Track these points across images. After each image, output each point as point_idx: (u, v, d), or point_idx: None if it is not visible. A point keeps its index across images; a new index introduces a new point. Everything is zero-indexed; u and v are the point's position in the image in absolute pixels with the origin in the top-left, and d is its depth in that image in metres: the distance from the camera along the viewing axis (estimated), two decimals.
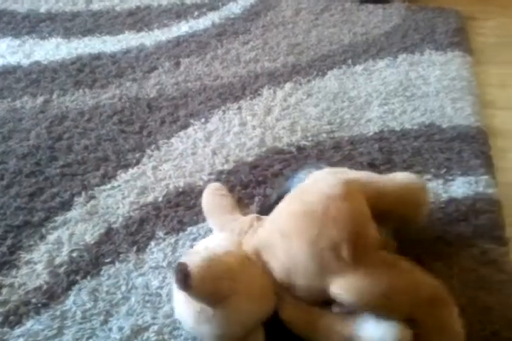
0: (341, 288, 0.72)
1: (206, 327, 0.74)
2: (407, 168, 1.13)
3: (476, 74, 1.46)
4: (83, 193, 1.07)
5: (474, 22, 1.76)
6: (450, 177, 1.11)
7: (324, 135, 1.23)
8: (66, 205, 1.04)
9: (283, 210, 0.80)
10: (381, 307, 0.72)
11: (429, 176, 1.11)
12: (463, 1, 1.86)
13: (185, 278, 0.69)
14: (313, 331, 0.77)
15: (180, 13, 1.76)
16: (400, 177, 0.91)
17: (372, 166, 1.14)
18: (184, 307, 0.76)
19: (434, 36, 1.62)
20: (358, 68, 1.48)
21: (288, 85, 1.41)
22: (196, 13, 1.76)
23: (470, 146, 1.19)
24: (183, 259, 0.74)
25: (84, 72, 1.47)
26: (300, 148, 1.19)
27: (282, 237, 0.75)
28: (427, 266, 0.90)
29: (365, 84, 1.41)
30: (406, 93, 1.37)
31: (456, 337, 0.74)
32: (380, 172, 1.12)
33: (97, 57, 1.53)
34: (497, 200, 1.06)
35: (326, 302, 0.77)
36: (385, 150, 1.18)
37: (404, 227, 0.90)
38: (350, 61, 1.50)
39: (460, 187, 1.08)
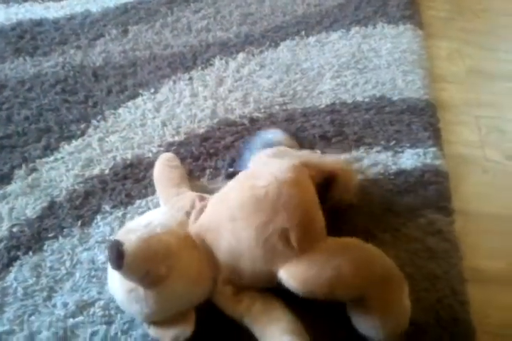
0: (288, 275, 0.72)
1: (137, 307, 0.71)
2: (358, 140, 1.13)
3: (426, 48, 1.47)
4: (24, 166, 1.02)
5: None
6: (399, 149, 1.12)
7: (277, 107, 1.22)
8: (6, 178, 0.99)
9: (232, 193, 0.78)
10: (327, 296, 0.72)
11: (379, 148, 1.12)
12: None
13: (118, 257, 0.66)
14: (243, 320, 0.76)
15: None
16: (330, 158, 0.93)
17: (324, 138, 1.13)
18: (117, 285, 0.73)
19: (387, 9, 1.61)
20: (311, 40, 1.46)
21: (240, 56, 1.37)
22: None
23: (419, 119, 1.20)
24: (119, 236, 0.71)
25: (24, 38, 1.38)
26: (253, 120, 1.17)
27: (231, 220, 0.73)
28: (376, 237, 0.93)
29: (318, 56, 1.39)
30: (358, 65, 1.37)
31: (404, 314, 0.76)
32: (332, 144, 1.12)
33: (39, 23, 1.45)
34: (444, 172, 1.08)
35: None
36: (336, 122, 1.18)
37: (336, 206, 0.91)
38: (303, 32, 1.48)
39: (409, 158, 1.10)
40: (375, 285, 0.74)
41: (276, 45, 1.43)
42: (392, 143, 1.13)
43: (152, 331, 0.73)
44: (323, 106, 1.23)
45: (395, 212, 0.99)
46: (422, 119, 1.20)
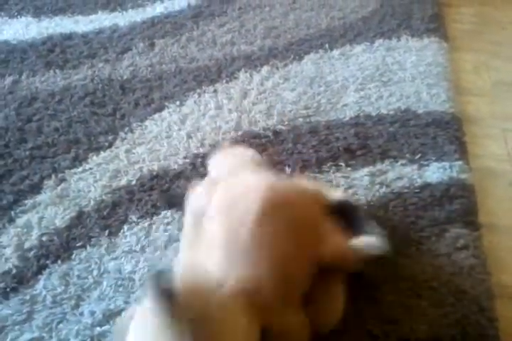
0: None
1: None
2: (383, 153, 1.13)
3: (451, 61, 1.47)
4: (53, 176, 1.04)
5: (450, 8, 1.77)
6: (425, 163, 1.12)
7: (301, 119, 1.22)
8: (36, 188, 1.02)
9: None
10: None
11: (404, 161, 1.11)
12: None
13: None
14: None
15: None
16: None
17: (348, 151, 1.13)
18: None
19: (411, 22, 1.62)
20: (335, 53, 1.47)
21: (265, 69, 1.39)
22: None
23: (445, 132, 1.19)
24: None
25: (55, 52, 1.42)
26: (276, 133, 1.18)
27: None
28: (400, 251, 0.92)
29: (342, 69, 1.40)
30: (382, 78, 1.37)
31: None
32: (357, 155, 1.12)
33: (69, 37, 1.49)
34: (470, 185, 1.07)
35: None
36: (360, 135, 1.18)
37: None
38: (327, 45, 1.49)
39: (435, 172, 1.09)
40: None
41: (301, 58, 1.44)
42: (418, 156, 1.13)
43: None
44: (347, 118, 1.23)
45: (420, 226, 0.98)
46: (447, 132, 1.19)
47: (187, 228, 0.82)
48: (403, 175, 1.08)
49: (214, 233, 0.73)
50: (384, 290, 0.86)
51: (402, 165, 1.11)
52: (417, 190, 1.05)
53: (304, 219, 0.76)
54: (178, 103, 1.26)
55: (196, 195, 0.82)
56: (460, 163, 1.11)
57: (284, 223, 0.74)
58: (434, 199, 1.03)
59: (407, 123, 1.22)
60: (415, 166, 1.10)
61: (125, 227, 0.95)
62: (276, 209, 0.74)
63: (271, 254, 0.71)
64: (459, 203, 1.02)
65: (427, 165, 1.11)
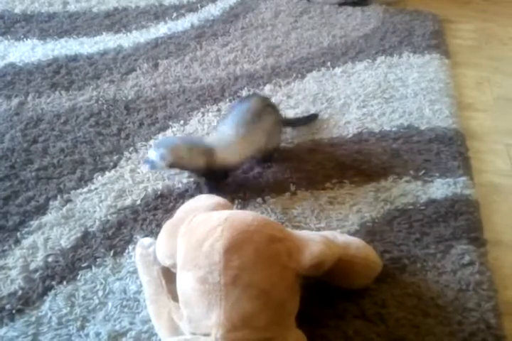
0: None
1: None
2: (386, 169, 1.14)
3: (453, 77, 1.48)
4: (59, 197, 1.05)
5: (451, 25, 1.79)
6: (429, 179, 1.12)
7: (304, 137, 1.23)
8: (41, 209, 1.02)
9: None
10: None
11: (407, 178, 1.12)
12: (440, 5, 1.89)
13: None
14: None
15: (159, 15, 1.75)
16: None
17: (351, 168, 1.14)
18: None
19: (412, 39, 1.63)
20: (337, 70, 1.48)
21: (267, 87, 1.40)
22: (175, 15, 1.75)
23: (448, 148, 1.20)
24: None
25: (60, 73, 1.45)
26: (280, 151, 1.19)
27: None
28: (405, 269, 0.92)
29: (344, 87, 1.41)
30: (384, 95, 1.38)
31: None
32: (360, 172, 1.12)
33: (74, 58, 1.51)
34: (475, 201, 1.07)
35: None
36: (364, 152, 1.19)
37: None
38: (329, 63, 1.51)
39: (439, 188, 1.09)
40: None
41: (303, 76, 1.46)
42: (422, 172, 1.13)
43: None
44: (350, 135, 1.24)
45: (425, 242, 0.98)
46: (451, 148, 1.20)
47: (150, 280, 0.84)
48: (407, 191, 1.08)
49: (186, 286, 0.74)
50: (390, 307, 0.86)
51: (406, 181, 1.11)
52: (421, 207, 1.05)
53: (265, 242, 0.75)
54: (182, 122, 1.27)
55: (159, 244, 0.83)
56: (464, 178, 1.11)
57: (250, 252, 0.73)
58: (439, 216, 1.03)
59: (410, 140, 1.23)
60: (419, 182, 1.11)
61: (130, 247, 0.95)
62: (239, 243, 0.73)
63: (251, 286, 0.71)
64: (464, 219, 1.02)
65: (431, 181, 1.11)
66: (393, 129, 1.26)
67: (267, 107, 1.10)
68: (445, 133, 1.24)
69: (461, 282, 0.90)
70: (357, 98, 1.37)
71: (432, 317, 0.85)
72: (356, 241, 0.90)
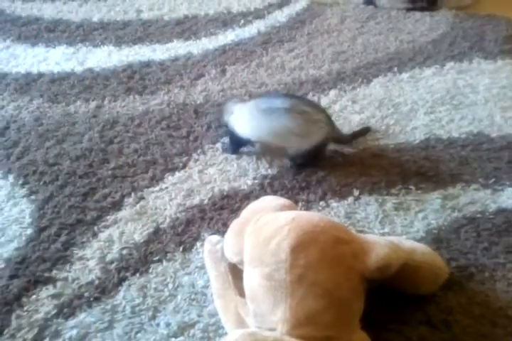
0: None
1: None
2: (454, 176, 1.12)
3: None
4: (133, 194, 1.11)
5: None
6: (499, 188, 1.09)
7: (369, 142, 1.23)
8: (117, 205, 1.08)
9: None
10: None
11: (476, 186, 1.09)
12: None
13: None
14: None
15: (227, 22, 1.81)
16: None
17: (418, 174, 1.13)
18: None
19: (483, 44, 1.60)
20: (404, 76, 1.47)
21: (332, 92, 1.41)
22: (242, 22, 1.80)
23: None
24: None
25: (134, 78, 1.52)
26: (344, 155, 1.20)
27: None
28: (473, 278, 0.90)
29: (411, 92, 1.40)
30: (453, 101, 1.36)
31: None
32: (427, 179, 1.11)
33: (147, 64, 1.59)
34: None
35: None
36: (431, 158, 1.17)
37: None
38: (396, 69, 1.50)
39: (510, 197, 1.06)
40: None
41: (369, 81, 1.46)
42: (491, 180, 1.10)
43: None
44: (417, 141, 1.23)
45: (494, 252, 0.95)
46: None
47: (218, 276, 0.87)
48: (476, 199, 1.06)
49: (253, 282, 0.76)
50: (457, 315, 0.84)
51: (475, 189, 1.09)
52: (490, 216, 1.02)
53: (331, 243, 0.76)
54: None
55: (227, 241, 0.86)
56: None
57: (315, 252, 0.74)
58: (509, 225, 1.00)
59: (479, 147, 1.20)
60: (489, 191, 1.08)
61: (198, 244, 0.99)
62: (305, 243, 0.75)
63: (316, 285, 0.73)
64: None
65: (502, 190, 1.08)
66: (462, 136, 1.24)
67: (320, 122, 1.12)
68: None
69: None
70: (424, 104, 1.35)
71: (500, 327, 0.83)
72: (422, 247, 0.89)
